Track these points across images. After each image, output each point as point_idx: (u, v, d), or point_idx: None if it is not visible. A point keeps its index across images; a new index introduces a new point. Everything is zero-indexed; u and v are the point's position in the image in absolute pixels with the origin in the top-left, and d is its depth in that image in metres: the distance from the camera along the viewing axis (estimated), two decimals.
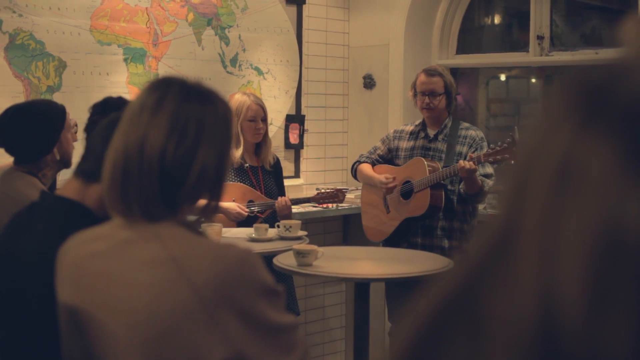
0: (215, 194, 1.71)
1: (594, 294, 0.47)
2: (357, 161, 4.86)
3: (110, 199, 1.67)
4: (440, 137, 4.62)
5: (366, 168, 4.79)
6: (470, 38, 5.97)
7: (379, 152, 4.83)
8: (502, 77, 7.11)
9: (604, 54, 5.08)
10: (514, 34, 6.16)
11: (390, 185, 4.59)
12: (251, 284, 1.59)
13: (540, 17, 5.32)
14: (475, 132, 4.63)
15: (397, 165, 4.73)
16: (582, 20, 6.30)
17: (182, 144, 1.63)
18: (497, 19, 6.28)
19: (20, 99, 4.26)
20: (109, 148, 1.69)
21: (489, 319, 0.52)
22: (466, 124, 4.76)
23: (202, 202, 1.70)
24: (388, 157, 4.80)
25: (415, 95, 4.67)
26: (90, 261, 1.70)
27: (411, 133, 4.73)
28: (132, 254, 1.63)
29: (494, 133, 6.43)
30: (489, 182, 4.41)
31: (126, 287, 1.61)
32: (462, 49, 5.86)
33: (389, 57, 5.73)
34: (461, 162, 4.23)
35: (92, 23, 4.65)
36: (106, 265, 1.66)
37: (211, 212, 1.73)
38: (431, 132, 4.65)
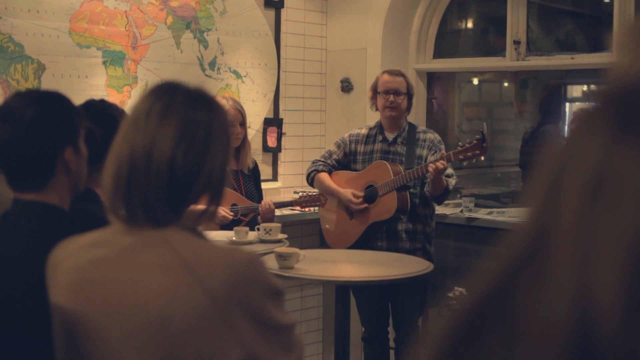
0: (216, 199, 1.72)
1: (629, 297, 0.49)
2: (314, 169, 4.81)
3: (113, 204, 1.66)
4: (399, 140, 4.64)
5: (326, 179, 4.76)
6: (447, 42, 6.01)
7: (335, 156, 4.80)
8: (475, 81, 7.16)
9: (580, 59, 5.13)
10: (490, 39, 6.21)
11: (361, 207, 4.60)
12: (260, 285, 1.61)
13: (516, 22, 5.37)
14: (433, 135, 4.66)
15: (355, 169, 4.73)
16: (556, 25, 6.37)
17: (191, 151, 1.63)
18: (473, 24, 6.33)
19: None
20: (110, 153, 1.68)
21: (524, 321, 0.53)
22: (423, 128, 4.81)
23: (201, 207, 1.71)
24: (345, 162, 4.79)
25: (374, 96, 4.69)
26: (91, 268, 1.68)
27: (367, 136, 4.73)
28: (140, 260, 1.62)
29: (468, 136, 6.47)
30: (452, 182, 4.45)
31: (137, 293, 1.60)
32: (438, 53, 5.90)
33: (366, 61, 5.75)
34: (431, 163, 4.25)
35: (71, 26, 4.63)
36: (110, 272, 1.65)
37: (210, 216, 1.73)
38: (389, 136, 4.66)
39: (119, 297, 1.63)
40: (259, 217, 4.56)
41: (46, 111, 2.04)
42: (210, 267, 1.58)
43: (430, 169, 4.21)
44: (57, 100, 2.09)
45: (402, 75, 4.66)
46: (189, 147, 1.63)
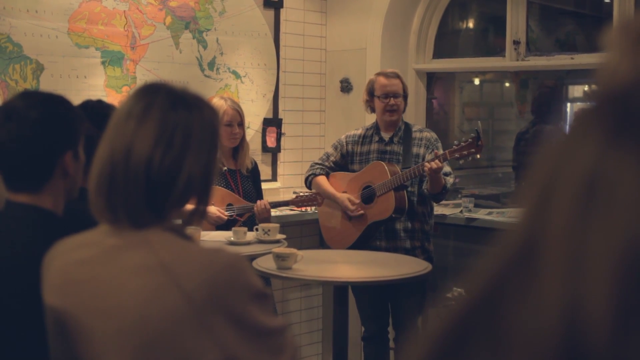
0: (203, 199, 1.72)
1: (620, 308, 0.47)
2: (312, 173, 4.81)
3: (97, 206, 1.67)
4: (395, 139, 4.63)
5: (324, 183, 4.75)
6: (446, 43, 6.00)
7: (332, 159, 4.80)
8: (476, 82, 7.15)
9: (580, 59, 5.12)
10: (490, 39, 6.20)
11: (357, 212, 4.59)
12: (241, 288, 1.59)
13: (516, 22, 5.35)
14: (429, 134, 4.66)
15: (353, 170, 4.73)
16: (556, 25, 6.36)
17: (169, 153, 1.63)
18: (473, 24, 6.32)
19: None
20: (96, 155, 1.69)
21: (511, 330, 0.52)
22: (418, 126, 4.81)
23: (190, 207, 1.71)
24: (342, 164, 4.78)
25: (369, 100, 4.67)
26: (77, 268, 1.69)
27: (364, 137, 4.73)
28: (120, 261, 1.62)
29: (468, 137, 6.46)
30: (450, 180, 4.45)
31: (116, 294, 1.60)
32: (438, 53, 5.89)
33: (366, 61, 5.74)
34: (426, 163, 4.25)
35: (70, 26, 4.62)
36: (94, 272, 1.65)
37: (199, 216, 1.73)
38: (386, 136, 4.66)
39: (101, 297, 1.63)
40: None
41: (50, 113, 2.04)
42: (188, 269, 1.57)
43: (426, 168, 4.22)
44: (61, 104, 2.09)
45: (398, 76, 4.66)
46: (166, 149, 1.63)
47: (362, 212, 4.58)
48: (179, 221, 1.73)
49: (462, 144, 4.28)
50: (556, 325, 0.50)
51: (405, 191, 4.46)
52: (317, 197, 4.68)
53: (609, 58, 0.56)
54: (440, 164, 4.23)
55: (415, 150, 4.59)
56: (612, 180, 0.50)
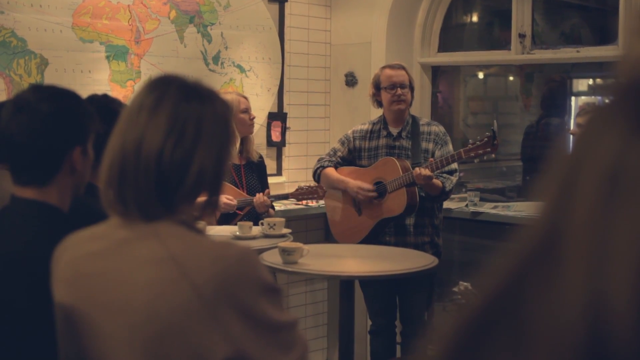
0: (215, 190, 1.71)
1: None
2: (320, 166, 4.75)
3: (108, 198, 1.66)
4: (403, 134, 4.59)
5: (333, 172, 4.69)
6: (451, 36, 5.99)
7: (339, 154, 4.74)
8: (481, 75, 7.13)
9: (586, 52, 5.10)
10: (495, 32, 6.19)
11: (370, 194, 4.53)
12: (251, 282, 1.58)
13: (522, 15, 5.34)
14: (437, 128, 4.61)
15: (361, 166, 4.68)
16: (561, 18, 6.34)
17: (180, 145, 1.62)
18: (478, 17, 6.31)
19: (2, 96, 4.22)
20: (107, 147, 1.68)
21: (533, 324, 0.51)
22: (425, 120, 4.76)
23: (202, 198, 1.70)
24: (349, 159, 4.73)
25: (376, 93, 4.63)
26: (87, 261, 1.69)
27: (371, 132, 4.68)
28: (130, 253, 1.62)
29: (473, 130, 6.45)
30: (453, 180, 4.41)
31: (125, 287, 1.60)
32: (443, 47, 5.87)
33: (370, 55, 5.73)
34: (417, 169, 4.22)
35: (74, 20, 4.61)
36: (104, 265, 1.65)
37: (212, 207, 1.72)
38: (394, 131, 4.61)
39: (110, 290, 1.63)
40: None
41: (62, 108, 2.04)
42: (198, 262, 1.56)
43: (415, 174, 4.22)
44: (72, 99, 2.09)
45: (404, 68, 4.63)
46: (177, 142, 1.62)
47: (375, 193, 4.52)
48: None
49: (478, 142, 4.24)
50: (579, 319, 0.49)
51: (416, 187, 4.42)
52: (318, 190, 4.61)
53: (631, 47, 0.55)
54: (430, 173, 4.20)
55: (424, 145, 4.55)
56: (636, 170, 0.49)
